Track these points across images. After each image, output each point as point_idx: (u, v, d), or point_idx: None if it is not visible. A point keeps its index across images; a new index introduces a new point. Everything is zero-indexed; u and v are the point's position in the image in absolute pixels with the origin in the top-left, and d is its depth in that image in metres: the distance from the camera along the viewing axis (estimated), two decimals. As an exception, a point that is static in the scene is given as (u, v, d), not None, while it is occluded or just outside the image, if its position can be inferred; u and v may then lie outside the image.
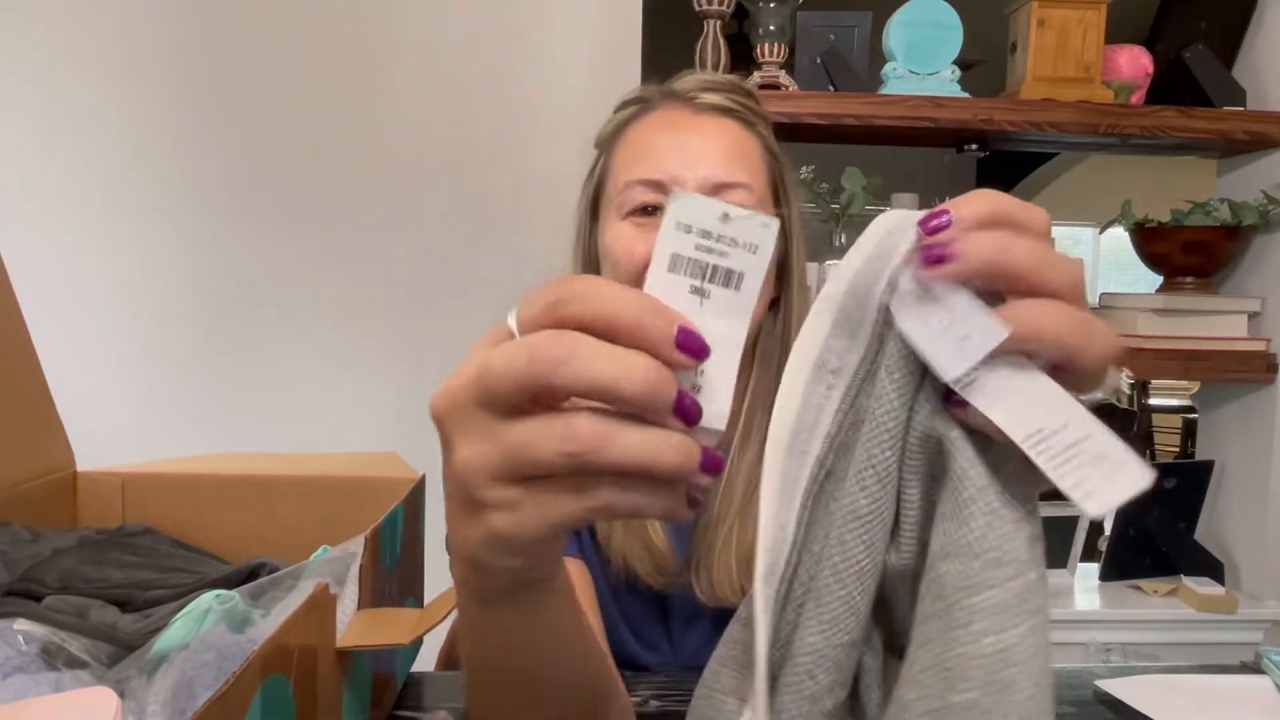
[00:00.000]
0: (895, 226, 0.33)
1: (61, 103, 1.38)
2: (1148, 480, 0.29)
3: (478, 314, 1.46)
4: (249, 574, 0.60)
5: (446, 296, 1.46)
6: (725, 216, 0.31)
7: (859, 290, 0.33)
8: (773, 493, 0.35)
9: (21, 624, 0.49)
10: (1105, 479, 0.29)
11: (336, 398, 1.47)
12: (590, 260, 0.85)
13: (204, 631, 0.47)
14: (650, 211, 0.77)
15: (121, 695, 0.39)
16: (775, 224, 0.32)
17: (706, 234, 0.31)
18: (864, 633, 0.35)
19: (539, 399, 0.30)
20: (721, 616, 0.63)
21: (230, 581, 0.58)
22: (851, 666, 0.35)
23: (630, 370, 0.28)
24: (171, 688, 0.44)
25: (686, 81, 0.82)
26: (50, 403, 0.70)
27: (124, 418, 1.39)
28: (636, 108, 0.83)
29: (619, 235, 0.79)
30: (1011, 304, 0.31)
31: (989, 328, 0.30)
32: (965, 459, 0.32)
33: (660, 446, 0.29)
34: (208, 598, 0.49)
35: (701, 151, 0.77)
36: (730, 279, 0.32)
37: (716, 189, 0.76)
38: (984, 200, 0.31)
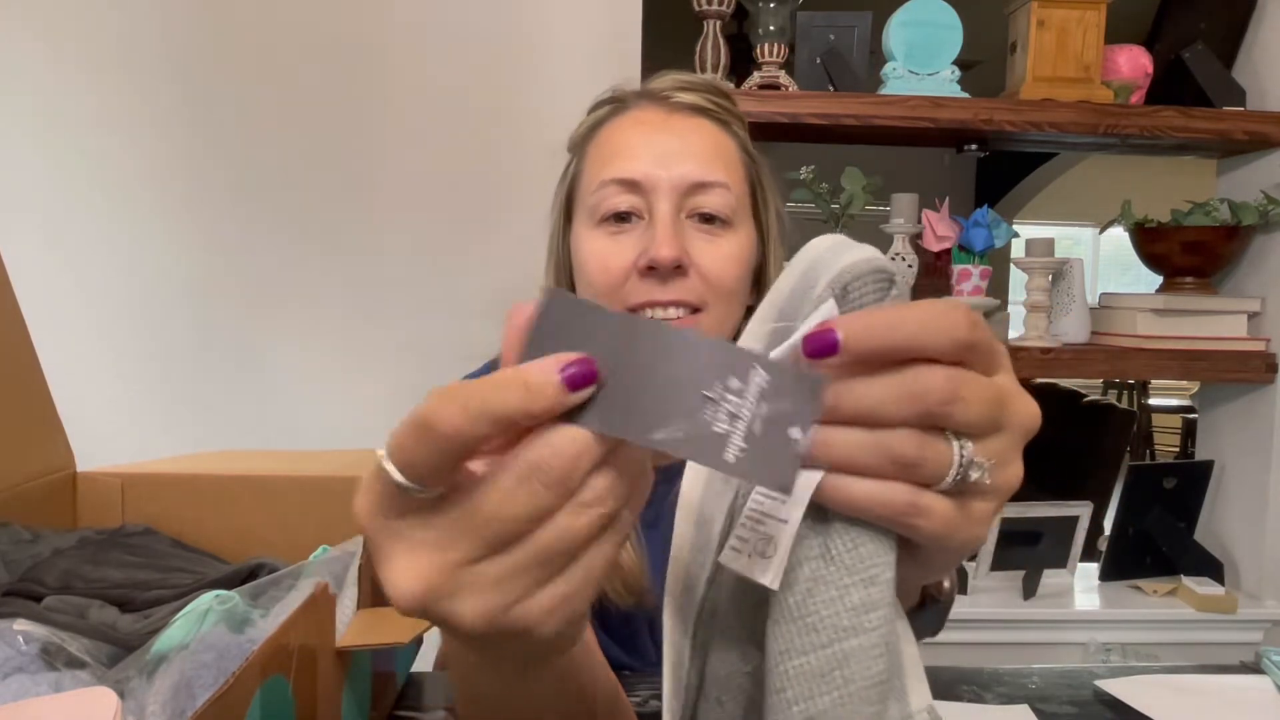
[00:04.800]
0: (820, 254, 0.32)
1: (60, 103, 1.38)
2: (767, 583, 0.30)
3: (477, 313, 1.46)
4: (248, 574, 0.60)
5: (446, 296, 1.46)
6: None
7: (788, 315, 0.33)
8: (690, 511, 0.34)
9: (21, 624, 0.49)
10: (751, 554, 0.30)
11: (336, 397, 1.47)
12: (564, 264, 0.83)
13: (204, 632, 0.47)
14: (624, 218, 0.76)
15: (121, 695, 0.39)
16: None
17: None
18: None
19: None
20: None
21: (230, 581, 0.58)
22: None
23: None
24: (171, 688, 0.44)
25: (662, 81, 0.81)
26: (50, 403, 0.70)
27: (124, 418, 1.38)
28: (611, 107, 0.82)
29: (594, 248, 0.77)
30: (844, 481, 0.30)
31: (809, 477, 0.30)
32: (806, 521, 0.31)
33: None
34: (207, 598, 0.49)
35: (676, 151, 0.76)
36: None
37: (693, 188, 0.75)
38: (874, 329, 0.29)
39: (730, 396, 0.28)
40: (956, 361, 0.30)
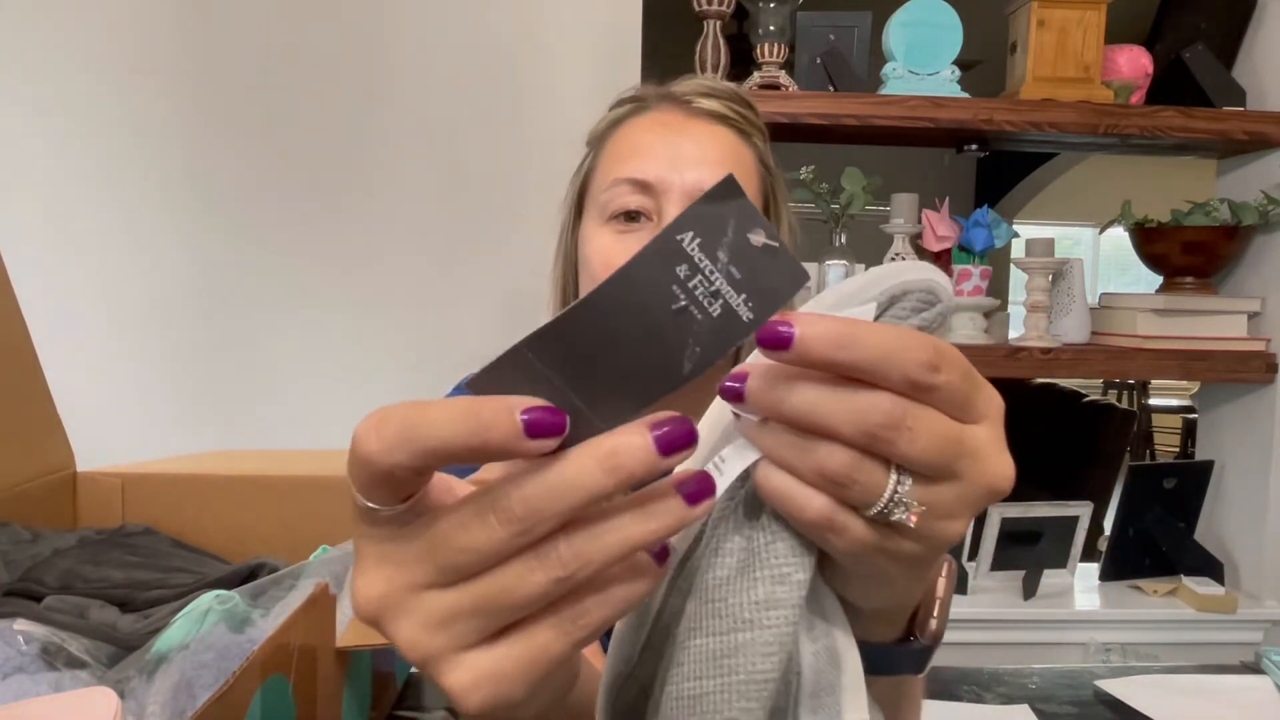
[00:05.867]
0: (899, 267, 0.32)
1: (62, 103, 1.38)
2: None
3: (477, 314, 1.46)
4: (249, 574, 0.60)
5: (446, 296, 1.46)
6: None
7: (838, 308, 0.33)
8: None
9: (21, 624, 0.49)
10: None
11: (336, 397, 1.47)
12: (570, 257, 0.83)
13: (204, 632, 0.47)
14: (633, 218, 0.75)
15: (121, 695, 0.39)
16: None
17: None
18: None
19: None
20: None
21: (230, 581, 0.58)
22: None
23: (580, 478, 0.25)
24: (171, 688, 0.44)
25: (686, 85, 0.80)
26: (50, 403, 0.70)
27: (124, 418, 1.39)
28: (631, 106, 0.81)
29: (599, 245, 0.76)
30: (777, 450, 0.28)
31: (745, 450, 0.29)
32: (741, 508, 0.31)
33: (648, 518, 0.26)
34: (207, 598, 0.49)
35: (692, 156, 0.74)
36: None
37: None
38: (829, 339, 0.26)
39: (693, 283, 0.26)
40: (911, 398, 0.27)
